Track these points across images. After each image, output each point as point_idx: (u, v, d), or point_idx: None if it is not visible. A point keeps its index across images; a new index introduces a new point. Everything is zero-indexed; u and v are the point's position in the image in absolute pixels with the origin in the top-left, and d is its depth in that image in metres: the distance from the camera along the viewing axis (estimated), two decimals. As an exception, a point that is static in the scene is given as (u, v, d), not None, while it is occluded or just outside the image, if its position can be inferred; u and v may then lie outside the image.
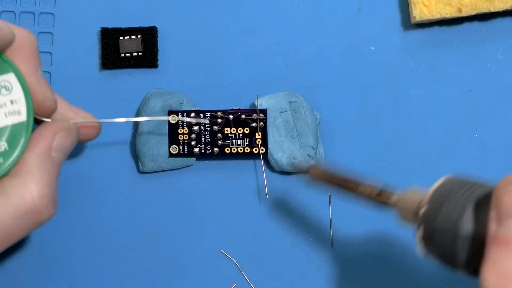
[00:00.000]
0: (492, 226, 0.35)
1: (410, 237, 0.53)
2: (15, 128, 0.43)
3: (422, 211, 0.39)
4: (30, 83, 0.43)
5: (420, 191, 0.41)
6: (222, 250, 0.53)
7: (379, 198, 0.44)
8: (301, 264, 0.53)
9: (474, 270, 0.37)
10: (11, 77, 0.43)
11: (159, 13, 0.54)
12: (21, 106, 0.43)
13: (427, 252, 0.40)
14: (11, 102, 0.43)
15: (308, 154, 0.53)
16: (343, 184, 0.46)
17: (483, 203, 0.37)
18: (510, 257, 0.34)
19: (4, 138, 0.42)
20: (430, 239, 0.39)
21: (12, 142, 0.42)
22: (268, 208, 0.53)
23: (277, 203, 0.53)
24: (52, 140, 0.43)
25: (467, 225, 0.37)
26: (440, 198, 0.39)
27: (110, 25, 0.54)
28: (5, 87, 0.43)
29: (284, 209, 0.53)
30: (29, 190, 0.41)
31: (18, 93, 0.43)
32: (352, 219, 0.53)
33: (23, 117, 0.43)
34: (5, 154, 0.42)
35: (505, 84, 0.54)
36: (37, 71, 0.44)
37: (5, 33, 0.42)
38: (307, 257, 0.53)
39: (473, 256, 0.37)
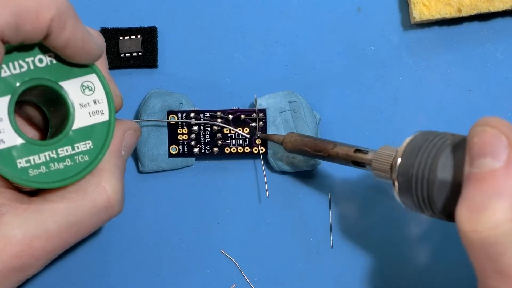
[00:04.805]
0: (466, 168, 0.37)
1: (410, 237, 0.53)
2: (99, 127, 0.44)
3: (397, 163, 0.41)
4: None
5: (393, 147, 0.43)
6: (222, 250, 0.53)
7: (356, 156, 0.45)
8: (301, 264, 0.53)
9: (451, 214, 0.38)
10: (93, 78, 0.44)
11: (159, 13, 0.54)
12: (104, 106, 0.44)
13: (405, 204, 0.41)
14: (94, 102, 0.44)
15: (308, 154, 0.52)
16: (320, 146, 0.47)
17: (458, 149, 0.38)
18: (481, 192, 0.36)
19: (89, 137, 0.44)
20: (407, 190, 0.40)
21: (96, 140, 0.44)
22: (268, 208, 0.53)
23: (277, 203, 0.53)
24: (122, 139, 0.45)
25: (442, 170, 0.39)
26: (414, 148, 0.40)
27: (110, 25, 0.54)
28: (88, 87, 0.44)
29: (284, 209, 0.53)
30: (104, 186, 0.43)
31: (100, 93, 0.44)
32: (352, 219, 0.53)
33: (105, 116, 0.44)
34: (90, 153, 0.44)
35: (505, 84, 0.54)
36: (108, 70, 0.46)
37: (102, 48, 0.44)
38: (307, 257, 0.53)
39: (449, 201, 0.38)
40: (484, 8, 0.52)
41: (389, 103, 0.54)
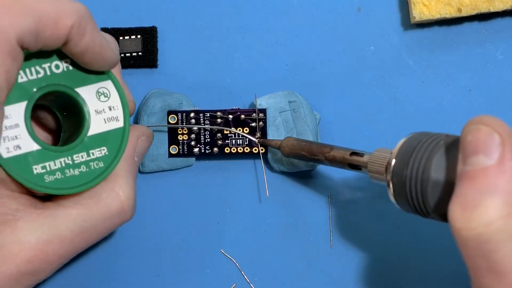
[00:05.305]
0: (459, 166, 0.37)
1: (410, 237, 0.53)
2: (114, 134, 0.44)
3: (392, 164, 0.41)
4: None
5: (388, 149, 0.43)
6: (222, 250, 0.53)
7: (352, 159, 0.45)
8: (301, 264, 0.53)
9: (445, 214, 0.38)
10: (108, 84, 0.44)
11: (159, 13, 0.54)
12: (119, 112, 0.44)
13: (400, 205, 0.41)
14: (110, 108, 0.44)
15: (308, 154, 0.52)
16: (317, 149, 0.47)
17: (452, 149, 0.39)
18: (473, 189, 0.36)
19: (104, 143, 0.44)
20: (402, 190, 0.40)
21: (110, 147, 0.44)
22: (268, 208, 0.53)
23: (277, 203, 0.53)
24: (136, 145, 0.46)
25: (436, 170, 0.39)
26: (408, 149, 0.40)
27: (110, 25, 0.54)
28: (104, 94, 0.44)
29: (284, 209, 0.53)
30: (118, 192, 0.43)
31: (115, 99, 0.44)
32: (352, 219, 0.53)
33: (120, 123, 0.44)
34: (105, 159, 0.44)
35: (504, 84, 0.54)
36: (121, 77, 0.46)
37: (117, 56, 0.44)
38: (307, 257, 0.53)
39: (443, 201, 0.38)
40: (484, 8, 0.52)
41: (389, 103, 0.54)
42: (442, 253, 0.52)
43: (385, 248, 0.53)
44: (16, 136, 0.41)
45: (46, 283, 0.53)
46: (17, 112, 0.41)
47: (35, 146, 0.42)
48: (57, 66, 0.42)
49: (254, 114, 0.53)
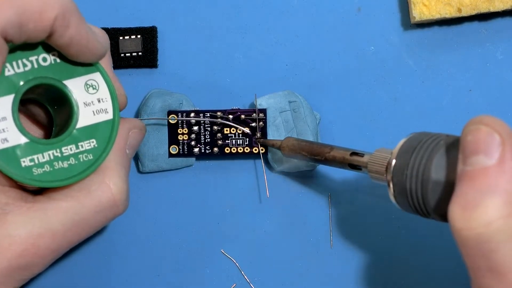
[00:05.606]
0: (460, 166, 0.37)
1: (410, 237, 0.53)
2: (103, 126, 0.44)
3: (392, 165, 0.41)
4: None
5: (388, 149, 0.43)
6: (222, 250, 0.53)
7: (352, 159, 0.45)
8: (301, 264, 0.53)
9: (445, 214, 0.38)
10: (97, 76, 0.44)
11: (159, 13, 0.54)
12: (108, 105, 0.44)
13: (401, 205, 0.41)
14: (98, 100, 0.44)
15: (308, 154, 0.52)
16: (317, 149, 0.47)
17: (452, 150, 0.39)
18: (473, 189, 0.36)
19: (93, 135, 0.44)
20: (402, 191, 0.41)
21: (100, 139, 0.44)
22: (268, 208, 0.53)
23: (277, 203, 0.53)
24: (127, 137, 0.45)
25: (436, 170, 0.39)
26: (408, 150, 0.40)
27: (110, 25, 0.54)
28: (92, 86, 0.44)
29: (284, 209, 0.53)
30: (109, 185, 0.43)
31: (104, 92, 0.44)
32: (352, 219, 0.53)
33: (109, 115, 0.44)
34: (94, 151, 0.44)
35: (504, 84, 0.54)
36: (112, 69, 0.46)
37: (106, 47, 0.44)
38: (307, 257, 0.53)
39: (443, 201, 0.38)
40: (484, 8, 0.52)
41: (389, 103, 0.54)
42: (442, 253, 0.52)
43: (385, 248, 0.53)
44: (3, 129, 0.41)
45: (46, 283, 0.53)
46: (4, 105, 0.41)
47: (23, 139, 0.42)
48: (44, 59, 0.42)
49: (254, 114, 0.53)
